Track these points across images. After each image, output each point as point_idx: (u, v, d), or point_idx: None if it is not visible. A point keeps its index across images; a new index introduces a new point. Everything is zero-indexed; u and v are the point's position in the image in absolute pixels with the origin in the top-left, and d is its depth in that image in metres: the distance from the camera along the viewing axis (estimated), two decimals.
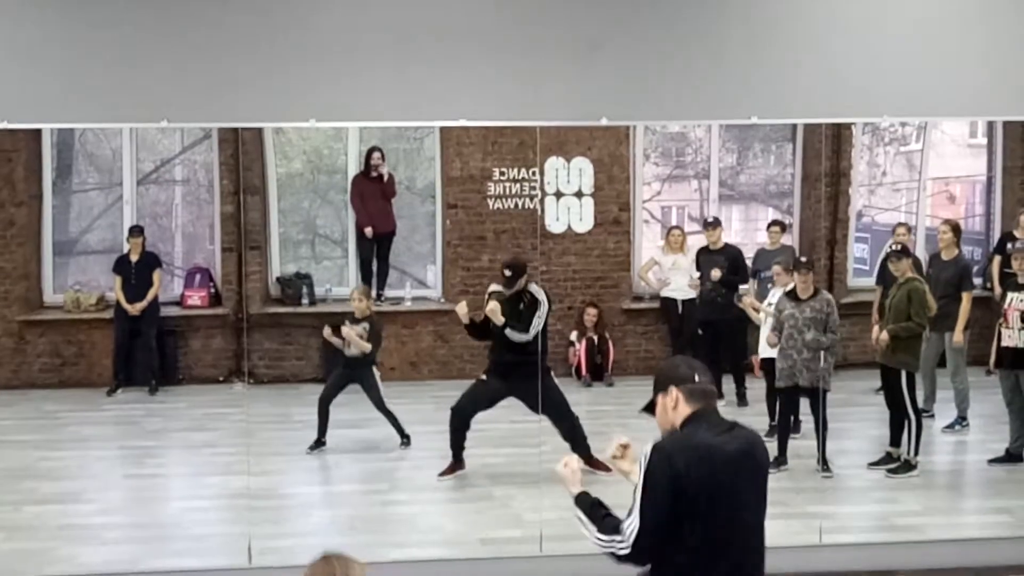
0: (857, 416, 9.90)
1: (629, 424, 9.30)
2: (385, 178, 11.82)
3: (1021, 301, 8.50)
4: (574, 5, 6.91)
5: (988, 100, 7.18)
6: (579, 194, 11.96)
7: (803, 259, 8.98)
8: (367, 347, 9.11)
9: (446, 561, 6.96)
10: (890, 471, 8.54)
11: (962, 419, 9.76)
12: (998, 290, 9.93)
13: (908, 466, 8.50)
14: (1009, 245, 10.09)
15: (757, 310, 9.51)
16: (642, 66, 6.89)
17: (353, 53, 6.73)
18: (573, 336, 11.80)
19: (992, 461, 8.82)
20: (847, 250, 12.27)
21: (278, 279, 12.10)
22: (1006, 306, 8.61)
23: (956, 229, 9.83)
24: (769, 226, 11.31)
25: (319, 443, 9.19)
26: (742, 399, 10.48)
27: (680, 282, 11.42)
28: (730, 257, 10.82)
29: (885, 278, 9.59)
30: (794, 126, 12.20)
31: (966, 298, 9.47)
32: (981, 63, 7.02)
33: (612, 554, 3.79)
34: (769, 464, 3.95)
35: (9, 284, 11.67)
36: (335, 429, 9.26)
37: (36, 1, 6.66)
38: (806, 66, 6.98)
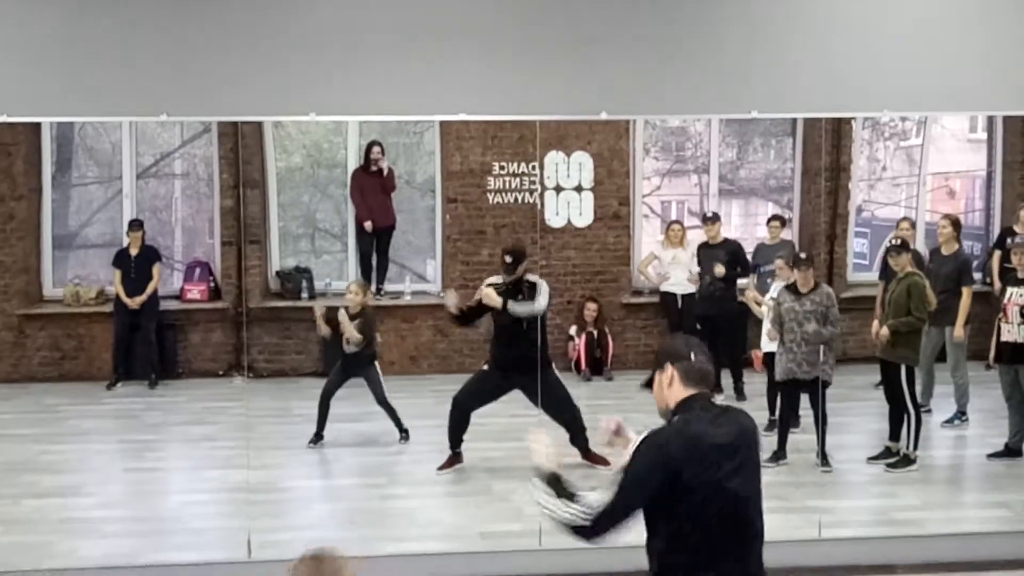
0: (856, 411, 9.91)
1: (629, 419, 9.34)
2: (385, 172, 11.82)
3: (1020, 296, 8.50)
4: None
5: (988, 95, 7.18)
6: (579, 188, 11.96)
7: (803, 255, 8.98)
8: (358, 336, 9.09)
9: (445, 555, 6.97)
10: (889, 465, 8.54)
11: (961, 414, 9.76)
12: (998, 285, 9.94)
13: (907, 460, 8.51)
14: (1009, 240, 10.09)
15: (760, 304, 9.51)
16: (642, 60, 6.89)
17: (353, 47, 6.73)
18: (572, 330, 11.80)
19: (991, 456, 8.83)
20: (847, 245, 12.27)
21: (278, 273, 12.10)
22: (1005, 301, 8.61)
23: (956, 224, 9.84)
24: (769, 221, 11.31)
25: (318, 437, 9.20)
26: (740, 393, 10.49)
27: (680, 277, 11.42)
28: (730, 251, 10.82)
29: (887, 273, 9.59)
30: (794, 121, 12.21)
31: (966, 293, 9.48)
32: (981, 58, 7.02)
33: (570, 525, 3.74)
34: (759, 444, 3.95)
35: (9, 278, 11.68)
36: (335, 423, 9.27)
37: None
38: (806, 61, 6.98)
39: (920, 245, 11.09)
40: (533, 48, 6.82)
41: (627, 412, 9.96)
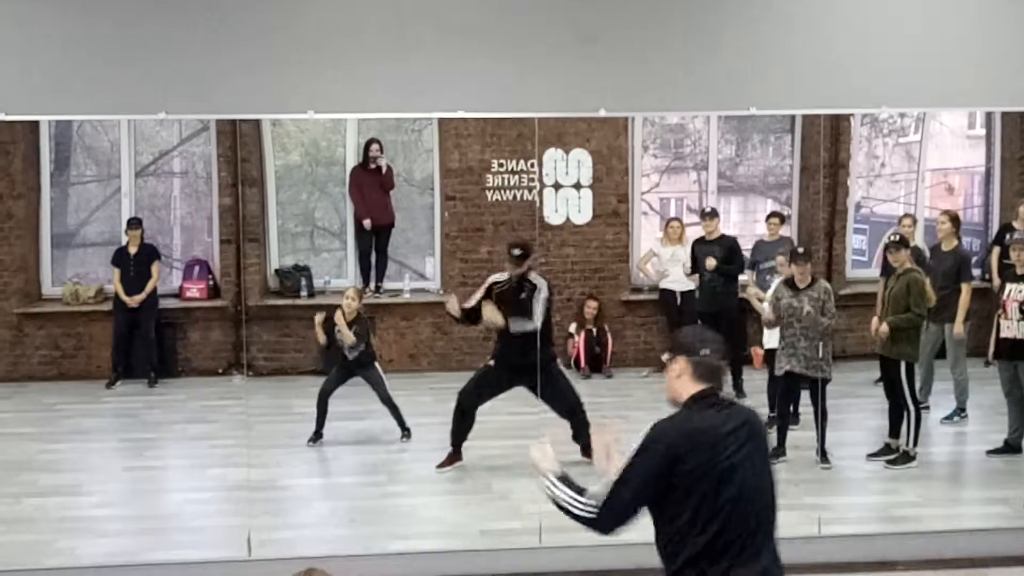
0: (856, 407, 9.91)
1: (628, 416, 9.34)
2: (383, 170, 11.81)
3: (1019, 292, 8.50)
4: None
5: (986, 91, 7.17)
6: (577, 186, 11.96)
7: (800, 250, 8.97)
8: (353, 338, 9.09)
9: (445, 553, 6.96)
10: (889, 462, 8.55)
11: (961, 410, 9.76)
12: (997, 281, 9.94)
13: (907, 457, 8.51)
14: (1007, 236, 10.11)
15: (761, 300, 9.51)
16: (640, 57, 6.88)
17: (351, 45, 6.72)
18: (572, 328, 11.80)
19: (990, 452, 8.83)
20: (845, 241, 12.27)
21: (276, 271, 12.09)
22: (1004, 297, 8.61)
23: (955, 220, 9.82)
24: (768, 217, 11.31)
25: (318, 435, 9.20)
26: (740, 390, 10.48)
27: (679, 274, 11.42)
28: (725, 247, 10.82)
29: (887, 270, 9.59)
30: (793, 117, 12.20)
31: (965, 289, 9.47)
32: (979, 54, 7.02)
33: (575, 516, 3.81)
34: (767, 438, 3.98)
35: (7, 277, 11.67)
36: (335, 421, 9.27)
37: None
38: (804, 57, 6.98)
39: (919, 242, 11.09)
40: (531, 45, 6.81)
41: (626, 410, 9.98)
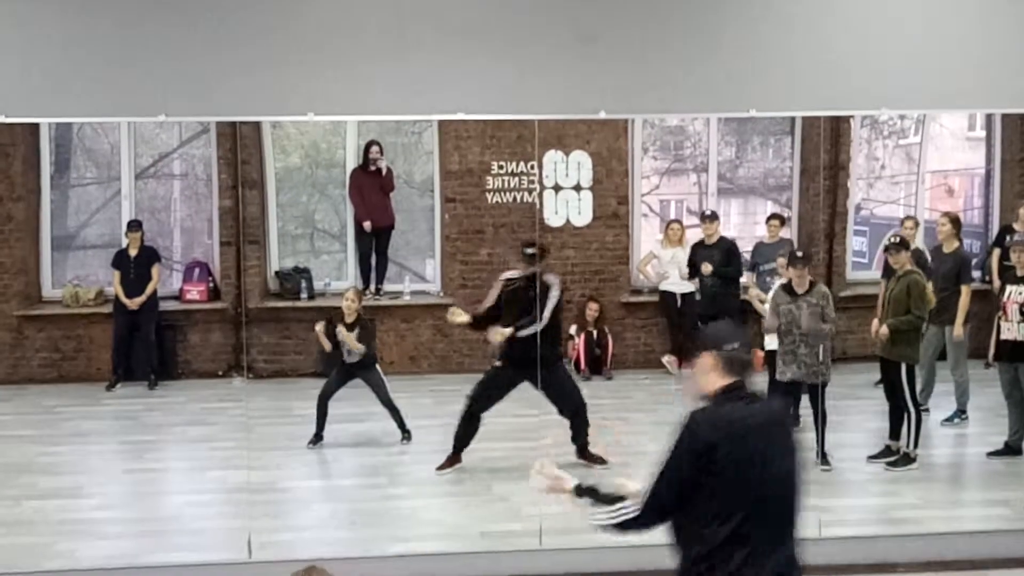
0: (856, 409, 9.91)
1: (628, 418, 9.35)
2: (383, 172, 11.81)
3: (1020, 294, 8.49)
4: None
5: (986, 93, 7.17)
6: (578, 188, 11.95)
7: (799, 253, 8.97)
8: (361, 348, 9.11)
9: (446, 555, 6.96)
10: (889, 464, 8.54)
11: (961, 412, 9.76)
12: (997, 283, 9.93)
13: (907, 459, 8.51)
14: (1008, 238, 10.10)
15: (763, 302, 9.51)
16: (640, 59, 6.88)
17: (351, 47, 6.72)
18: (572, 330, 11.79)
19: (991, 454, 8.83)
20: (846, 243, 12.27)
21: (277, 273, 12.09)
22: (1005, 299, 8.61)
23: (955, 221, 9.80)
24: (768, 219, 11.32)
25: (318, 438, 9.19)
26: None
27: (678, 276, 11.43)
28: (723, 250, 10.83)
29: (889, 272, 9.59)
30: (793, 119, 12.20)
31: (965, 291, 9.46)
32: (980, 56, 7.02)
33: (620, 523, 3.88)
34: (792, 427, 4.08)
35: (8, 279, 11.66)
36: (335, 423, 9.27)
37: None
38: (805, 59, 6.98)
39: (919, 243, 11.09)
40: (531, 47, 6.82)
41: (627, 411, 9.98)
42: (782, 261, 9.31)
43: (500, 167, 11.86)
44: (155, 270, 11.45)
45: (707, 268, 10.60)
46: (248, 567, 6.71)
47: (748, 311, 10.31)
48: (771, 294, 9.29)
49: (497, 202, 11.88)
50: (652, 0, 6.92)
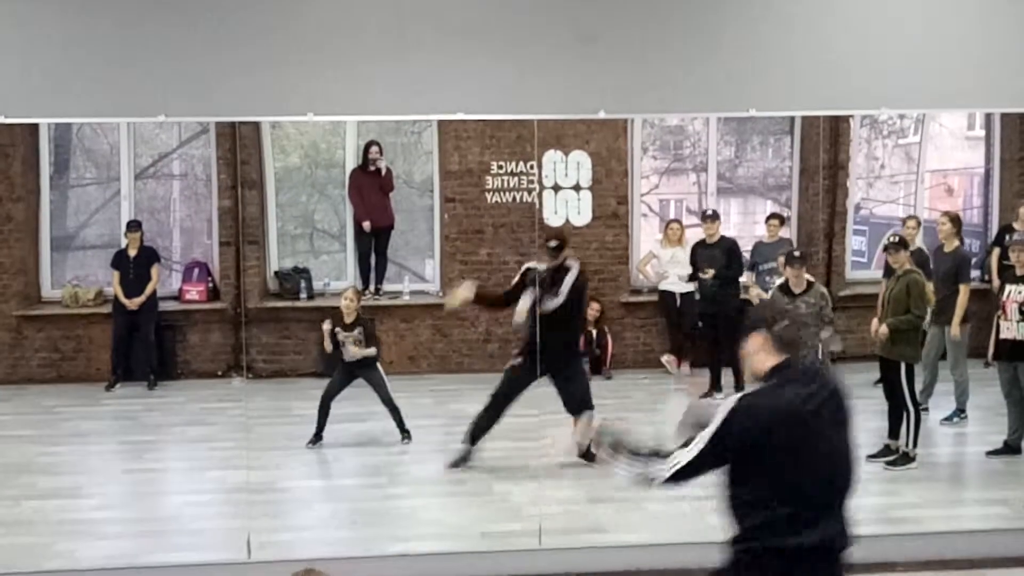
0: (855, 408, 9.88)
1: (628, 417, 9.34)
2: (383, 172, 11.81)
3: (1019, 293, 8.49)
4: None
5: (986, 92, 7.17)
6: (577, 187, 11.95)
7: (796, 253, 8.96)
8: (370, 352, 9.11)
9: (446, 555, 6.96)
10: (889, 463, 8.54)
11: (960, 411, 9.76)
12: (996, 282, 9.93)
13: (907, 458, 8.51)
14: (1007, 237, 10.09)
15: None
16: (640, 59, 6.88)
17: (351, 47, 6.72)
18: None
19: (990, 453, 8.83)
20: (845, 243, 12.27)
21: (276, 273, 12.09)
22: (1004, 298, 8.60)
23: (955, 221, 9.78)
24: (768, 219, 11.32)
25: (317, 438, 9.19)
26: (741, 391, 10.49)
27: (678, 275, 11.43)
28: (725, 250, 10.82)
29: (889, 271, 9.58)
30: (792, 119, 12.20)
31: (963, 290, 9.46)
32: (979, 55, 7.02)
33: (644, 477, 3.90)
34: (847, 399, 4.09)
35: (7, 279, 11.66)
36: (335, 423, 9.26)
37: None
38: (804, 58, 6.98)
39: (920, 243, 11.09)
40: (531, 47, 6.82)
41: (626, 411, 9.99)
42: (782, 261, 9.32)
43: (500, 167, 11.86)
44: (154, 270, 11.45)
45: (709, 272, 10.59)
46: (247, 567, 6.71)
47: (747, 311, 10.29)
48: (770, 294, 9.30)
49: (496, 202, 11.88)
50: (652, 0, 6.92)
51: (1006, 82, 7.06)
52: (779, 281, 9.27)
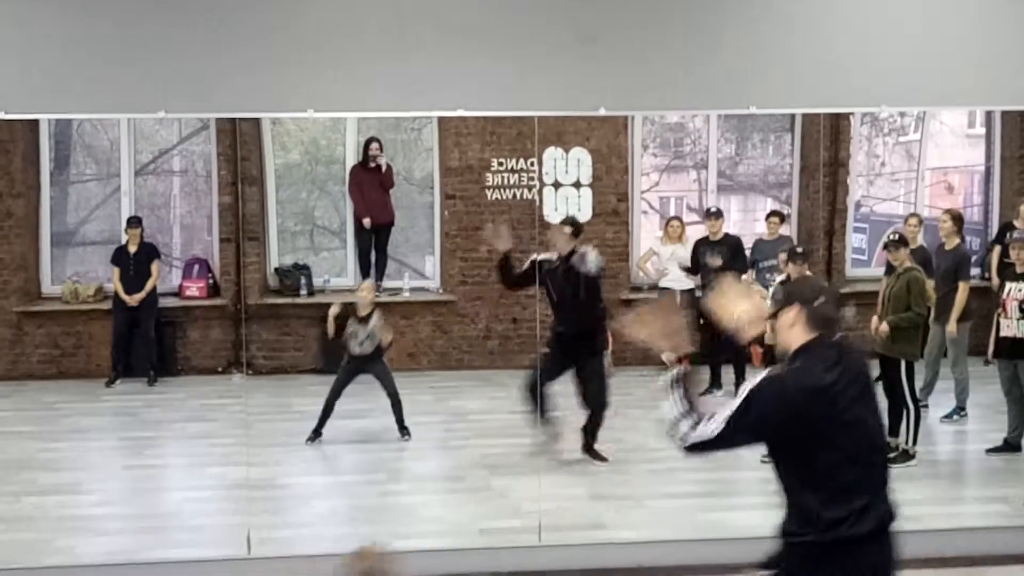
0: None
1: (627, 414, 9.34)
2: (383, 169, 11.81)
3: (1019, 291, 8.49)
4: None
5: (986, 90, 7.16)
6: (577, 184, 11.95)
7: (799, 249, 8.96)
8: (390, 336, 9.12)
9: (445, 551, 6.96)
10: (888, 461, 8.52)
11: (960, 409, 9.76)
12: (996, 280, 9.93)
13: (906, 456, 8.51)
14: (1007, 235, 10.08)
15: (764, 299, 9.49)
16: (640, 56, 6.88)
17: (351, 44, 6.72)
18: None
19: (990, 451, 8.84)
20: (845, 240, 12.27)
21: (276, 270, 12.09)
22: (1004, 296, 8.60)
23: (956, 218, 9.77)
24: (768, 216, 11.30)
25: (317, 434, 9.18)
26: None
27: (678, 272, 11.41)
28: (730, 246, 10.82)
29: (890, 268, 9.58)
30: (792, 116, 12.20)
31: (962, 287, 9.45)
32: (979, 53, 7.01)
33: (676, 428, 3.87)
34: (870, 369, 4.12)
35: (7, 275, 11.66)
36: (334, 420, 9.25)
37: None
38: (804, 56, 6.98)
39: (921, 241, 11.09)
40: (531, 44, 6.81)
41: (626, 408, 9.97)
42: (783, 257, 9.31)
43: (500, 164, 11.87)
44: (155, 266, 11.45)
45: (716, 261, 10.58)
46: (247, 563, 6.72)
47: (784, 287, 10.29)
48: (771, 291, 9.29)
49: (497, 199, 11.88)
50: (652, 0, 6.92)
51: (1006, 80, 7.05)
52: (780, 278, 9.27)
